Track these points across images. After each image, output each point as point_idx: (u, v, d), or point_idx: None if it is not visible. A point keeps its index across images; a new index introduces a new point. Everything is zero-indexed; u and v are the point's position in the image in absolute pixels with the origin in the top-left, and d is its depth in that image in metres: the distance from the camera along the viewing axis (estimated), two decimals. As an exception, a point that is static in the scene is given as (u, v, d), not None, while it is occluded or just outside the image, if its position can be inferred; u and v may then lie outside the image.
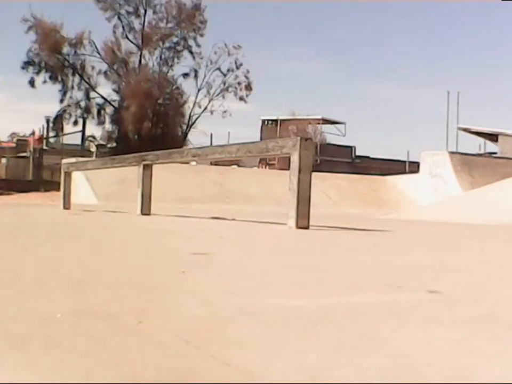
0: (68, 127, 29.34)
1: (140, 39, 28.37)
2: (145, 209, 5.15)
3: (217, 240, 2.82)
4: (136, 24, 28.61)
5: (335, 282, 1.54)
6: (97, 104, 29.39)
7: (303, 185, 3.56)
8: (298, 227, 3.50)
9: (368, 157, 32.83)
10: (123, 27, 28.45)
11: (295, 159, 3.59)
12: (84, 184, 9.10)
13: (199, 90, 26.92)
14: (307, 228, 3.52)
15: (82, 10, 38.83)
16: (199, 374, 0.73)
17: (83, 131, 26.36)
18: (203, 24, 27.25)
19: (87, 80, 28.71)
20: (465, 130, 28.93)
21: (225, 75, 26.65)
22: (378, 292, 1.37)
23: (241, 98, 26.77)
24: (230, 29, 44.09)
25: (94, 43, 28.14)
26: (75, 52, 28.37)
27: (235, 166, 15.59)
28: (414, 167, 19.99)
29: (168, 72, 27.88)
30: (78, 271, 1.59)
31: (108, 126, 29.51)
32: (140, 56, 28.59)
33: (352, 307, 1.17)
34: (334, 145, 33.32)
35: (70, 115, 29.27)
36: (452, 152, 12.39)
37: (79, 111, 29.15)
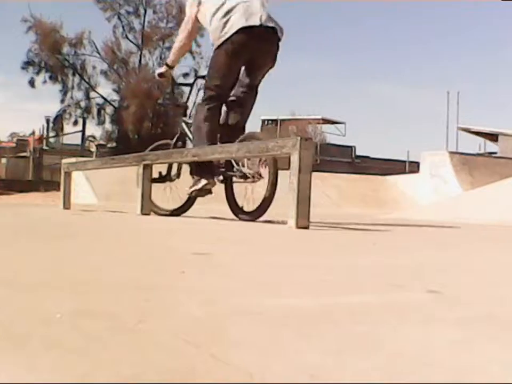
0: (68, 127, 29.38)
1: (140, 39, 28.39)
2: (145, 209, 5.15)
3: (217, 240, 2.82)
4: (136, 24, 28.63)
5: (335, 282, 1.54)
6: (97, 104, 29.43)
7: (303, 185, 3.56)
8: (298, 227, 3.50)
9: (368, 157, 32.85)
10: (123, 27, 28.48)
11: (295, 159, 3.58)
12: (84, 184, 9.09)
13: (199, 90, 26.89)
14: (307, 227, 3.52)
15: (82, 10, 38.86)
16: (199, 374, 0.73)
17: (83, 131, 26.38)
18: (203, 24, 27.18)
19: (87, 80, 28.73)
20: (465, 130, 28.95)
21: (225, 75, 26.60)
22: (378, 292, 1.37)
23: (241, 98, 26.72)
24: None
25: (94, 43, 28.17)
26: (75, 52, 28.39)
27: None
28: (414, 167, 19.99)
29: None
30: (77, 271, 1.59)
31: (107, 126, 29.54)
32: (140, 56, 28.61)
33: (352, 307, 1.17)
34: (334, 145, 33.34)
35: (70, 115, 29.31)
36: (452, 152, 12.38)
37: (79, 111, 29.19)
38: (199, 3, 4.86)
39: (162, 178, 5.40)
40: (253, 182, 4.57)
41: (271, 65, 4.86)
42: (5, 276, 1.48)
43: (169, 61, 5.04)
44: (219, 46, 4.71)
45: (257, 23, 4.62)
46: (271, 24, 4.69)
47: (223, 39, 4.66)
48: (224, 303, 1.17)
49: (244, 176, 4.60)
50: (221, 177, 4.82)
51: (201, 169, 4.78)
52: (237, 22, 4.63)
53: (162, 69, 5.05)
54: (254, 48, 4.67)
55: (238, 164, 4.68)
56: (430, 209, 7.42)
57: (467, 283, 1.60)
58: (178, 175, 5.36)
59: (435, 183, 11.38)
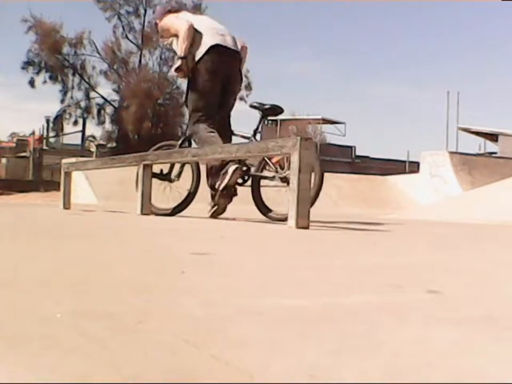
0: (68, 127, 29.38)
1: (140, 39, 28.36)
2: (145, 209, 5.15)
3: (218, 240, 2.82)
4: (136, 24, 28.61)
5: (335, 282, 1.54)
6: (97, 104, 29.41)
7: (303, 185, 3.56)
8: (298, 227, 3.50)
9: (368, 157, 32.86)
10: (123, 27, 28.46)
11: (295, 159, 3.59)
12: (84, 184, 9.09)
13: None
14: (307, 227, 3.52)
15: (82, 10, 38.90)
16: (199, 374, 0.73)
17: (83, 131, 26.38)
18: (203, 24, 27.16)
19: (87, 80, 28.70)
20: (465, 130, 28.95)
21: (225, 75, 26.60)
22: (378, 292, 1.37)
23: (241, 98, 26.77)
24: (230, 29, 44.15)
25: (94, 43, 28.15)
26: (75, 52, 28.37)
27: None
28: (414, 167, 20.01)
29: (168, 72, 27.87)
30: (77, 271, 1.59)
31: (108, 126, 29.53)
32: (140, 56, 28.59)
33: (352, 307, 1.17)
34: (334, 145, 33.34)
35: (70, 115, 29.30)
36: (452, 152, 12.38)
37: (79, 111, 29.18)
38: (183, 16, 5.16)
39: (162, 176, 5.42)
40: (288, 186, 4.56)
41: (240, 85, 5.08)
42: (5, 276, 1.48)
43: (180, 52, 5.07)
44: (195, 66, 4.90)
45: (225, 43, 4.93)
46: (234, 48, 5.02)
47: (198, 57, 4.88)
48: (224, 303, 1.17)
49: (285, 180, 4.54)
50: (240, 180, 4.85)
51: (215, 174, 4.77)
52: (208, 41, 4.88)
53: (178, 63, 5.08)
54: (229, 64, 4.96)
55: (276, 166, 4.70)
56: (430, 209, 7.42)
57: (467, 283, 1.60)
58: (179, 176, 5.38)
59: (435, 183, 11.38)
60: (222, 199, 4.84)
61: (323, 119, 34.80)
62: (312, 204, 4.34)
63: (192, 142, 5.13)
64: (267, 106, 4.93)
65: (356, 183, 11.81)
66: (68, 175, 6.64)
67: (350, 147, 32.51)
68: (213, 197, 4.93)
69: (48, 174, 23.51)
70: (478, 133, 29.78)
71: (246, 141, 4.94)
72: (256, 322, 1.01)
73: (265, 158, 4.72)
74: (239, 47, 5.11)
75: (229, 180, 4.59)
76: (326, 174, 4.76)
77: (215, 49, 4.85)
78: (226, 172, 4.59)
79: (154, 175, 5.38)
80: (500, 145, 27.48)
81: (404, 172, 18.43)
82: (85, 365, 0.75)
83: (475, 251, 2.75)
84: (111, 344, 0.85)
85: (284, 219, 4.47)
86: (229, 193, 4.78)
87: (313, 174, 4.36)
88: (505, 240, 3.76)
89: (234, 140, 5.10)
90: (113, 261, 1.88)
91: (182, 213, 5.20)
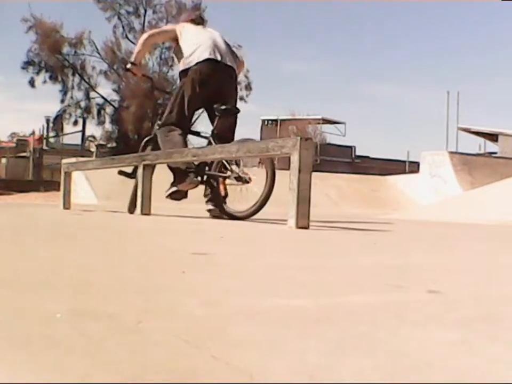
0: (68, 127, 29.42)
1: (140, 39, 28.29)
2: (145, 209, 5.15)
3: (218, 240, 2.82)
4: (136, 24, 28.62)
5: (335, 282, 1.54)
6: (97, 104, 29.42)
7: (303, 185, 3.56)
8: (298, 227, 3.50)
9: (368, 157, 32.87)
10: (123, 27, 28.48)
11: (295, 159, 3.59)
12: (84, 184, 9.09)
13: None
14: (307, 227, 3.52)
15: (82, 10, 38.91)
16: (199, 374, 0.73)
17: (83, 131, 26.39)
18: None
19: (87, 80, 28.71)
20: (465, 130, 28.95)
21: (225, 75, 26.62)
22: (378, 292, 1.37)
23: (241, 98, 26.82)
24: (230, 29, 44.21)
25: (94, 43, 28.16)
26: (75, 52, 28.38)
27: (235, 166, 15.54)
28: (414, 167, 20.02)
29: (168, 72, 27.88)
30: (77, 271, 1.59)
31: (108, 126, 29.54)
32: (140, 56, 28.48)
33: (352, 307, 1.17)
34: (334, 145, 33.33)
35: (70, 115, 29.32)
36: (452, 152, 12.37)
37: (79, 111, 29.20)
38: (183, 28, 5.21)
39: (128, 174, 5.67)
40: (243, 184, 4.69)
41: (234, 101, 5.13)
42: (5, 276, 1.48)
43: (132, 58, 5.31)
44: (185, 74, 5.00)
45: (219, 58, 4.98)
46: (230, 63, 5.05)
47: (188, 66, 4.96)
48: (224, 303, 1.17)
49: (239, 178, 4.70)
50: (199, 178, 4.98)
51: (177, 175, 4.96)
52: (200, 54, 4.96)
53: (128, 65, 5.32)
54: (220, 79, 4.96)
55: (230, 165, 4.80)
56: (430, 209, 7.42)
57: (467, 283, 1.60)
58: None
59: (435, 183, 11.38)
60: (171, 198, 5.10)
61: (323, 119, 34.78)
62: (263, 204, 4.46)
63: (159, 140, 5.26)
64: (223, 107, 4.96)
65: (356, 183, 11.81)
66: (68, 175, 6.64)
67: (350, 147, 32.51)
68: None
69: (48, 174, 23.52)
70: (478, 133, 29.78)
71: (205, 140, 5.14)
72: (256, 322, 1.00)
73: None
74: (237, 63, 5.18)
75: (183, 188, 4.96)
76: (326, 174, 4.81)
77: (206, 62, 4.93)
78: (185, 180, 4.88)
79: (121, 173, 5.68)
80: (500, 145, 27.48)
81: (404, 172, 18.43)
82: (85, 365, 0.75)
83: (475, 251, 2.75)
84: (111, 344, 0.85)
85: (241, 217, 4.62)
86: (179, 195, 5.07)
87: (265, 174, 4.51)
88: (505, 240, 3.76)
89: (193, 139, 5.32)
90: (113, 261, 1.88)
91: (181, 213, 5.20)
